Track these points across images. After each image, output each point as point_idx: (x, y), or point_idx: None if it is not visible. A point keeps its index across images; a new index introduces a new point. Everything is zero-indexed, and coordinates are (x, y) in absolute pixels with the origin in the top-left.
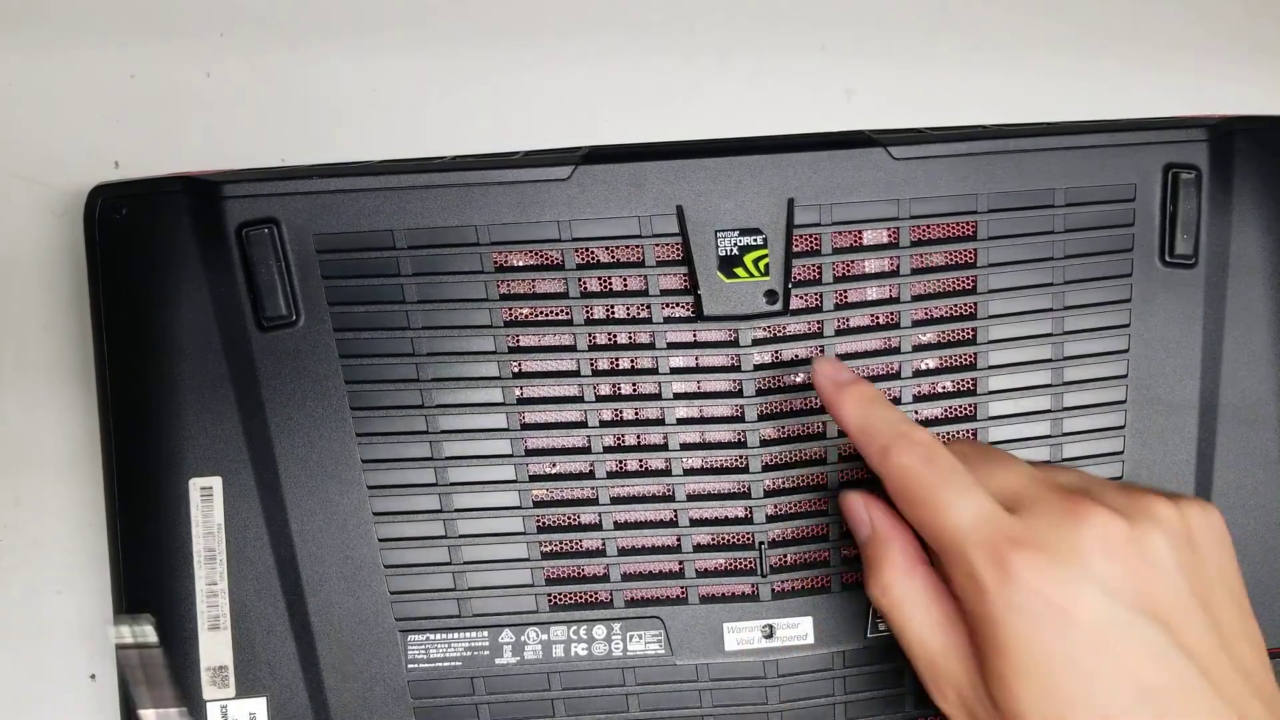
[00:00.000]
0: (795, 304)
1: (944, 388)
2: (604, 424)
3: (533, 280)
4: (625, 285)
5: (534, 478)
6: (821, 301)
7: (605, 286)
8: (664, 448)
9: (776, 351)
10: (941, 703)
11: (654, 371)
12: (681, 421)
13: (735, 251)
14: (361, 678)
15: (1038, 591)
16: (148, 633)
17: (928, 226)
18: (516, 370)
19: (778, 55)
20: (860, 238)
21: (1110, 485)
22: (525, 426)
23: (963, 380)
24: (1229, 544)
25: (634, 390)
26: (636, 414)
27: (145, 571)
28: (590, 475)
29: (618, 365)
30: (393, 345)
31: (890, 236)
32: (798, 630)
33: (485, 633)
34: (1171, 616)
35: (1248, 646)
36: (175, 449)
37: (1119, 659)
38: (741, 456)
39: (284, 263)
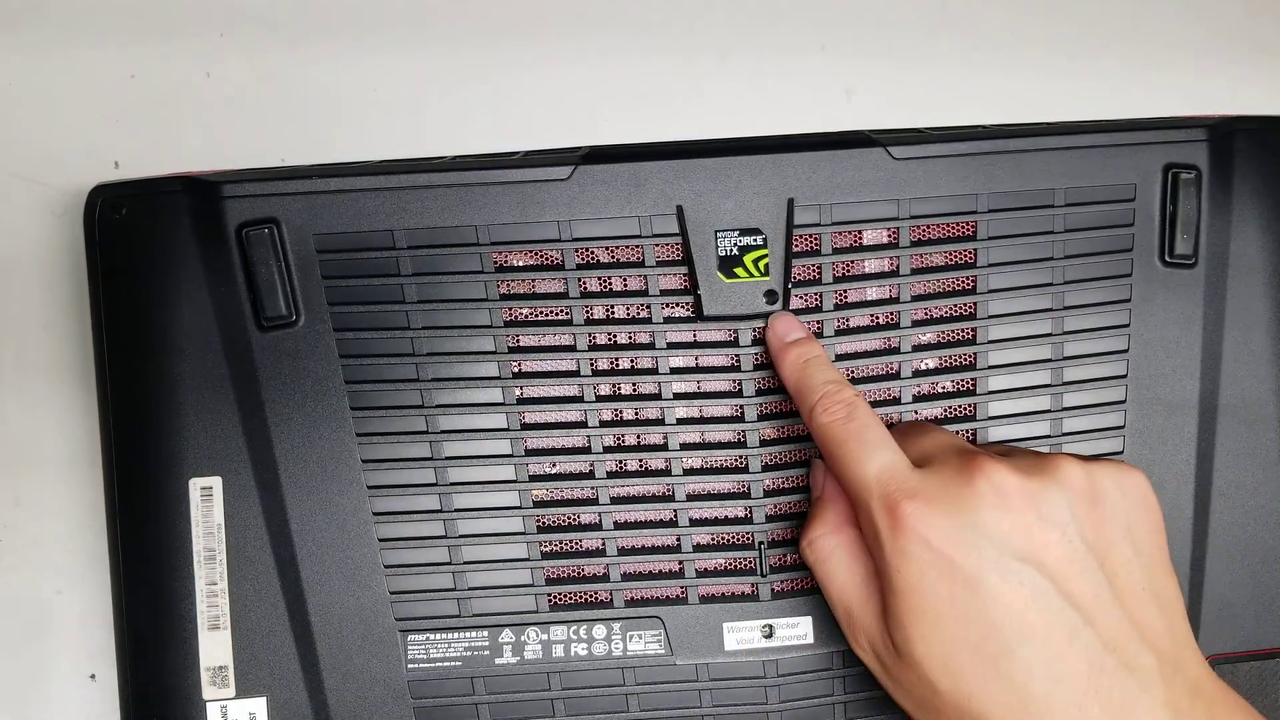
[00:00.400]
0: (795, 304)
1: (944, 387)
2: (604, 424)
3: (533, 280)
4: (625, 285)
5: (534, 478)
6: (821, 301)
7: (605, 286)
8: (664, 448)
9: None
10: (858, 650)
11: (654, 371)
12: (681, 421)
13: (735, 251)
14: (361, 678)
15: (925, 539)
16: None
17: (927, 226)
18: (516, 370)
19: (778, 55)
20: (860, 238)
21: (1034, 453)
22: (525, 426)
23: (963, 380)
24: (1149, 505)
25: (634, 390)
26: (636, 414)
27: (145, 571)
28: (590, 475)
29: (618, 365)
30: (393, 345)
31: (890, 236)
32: (797, 630)
33: (485, 632)
34: (1059, 566)
35: (1150, 602)
36: (175, 449)
37: (1000, 603)
38: (741, 456)
39: (284, 263)
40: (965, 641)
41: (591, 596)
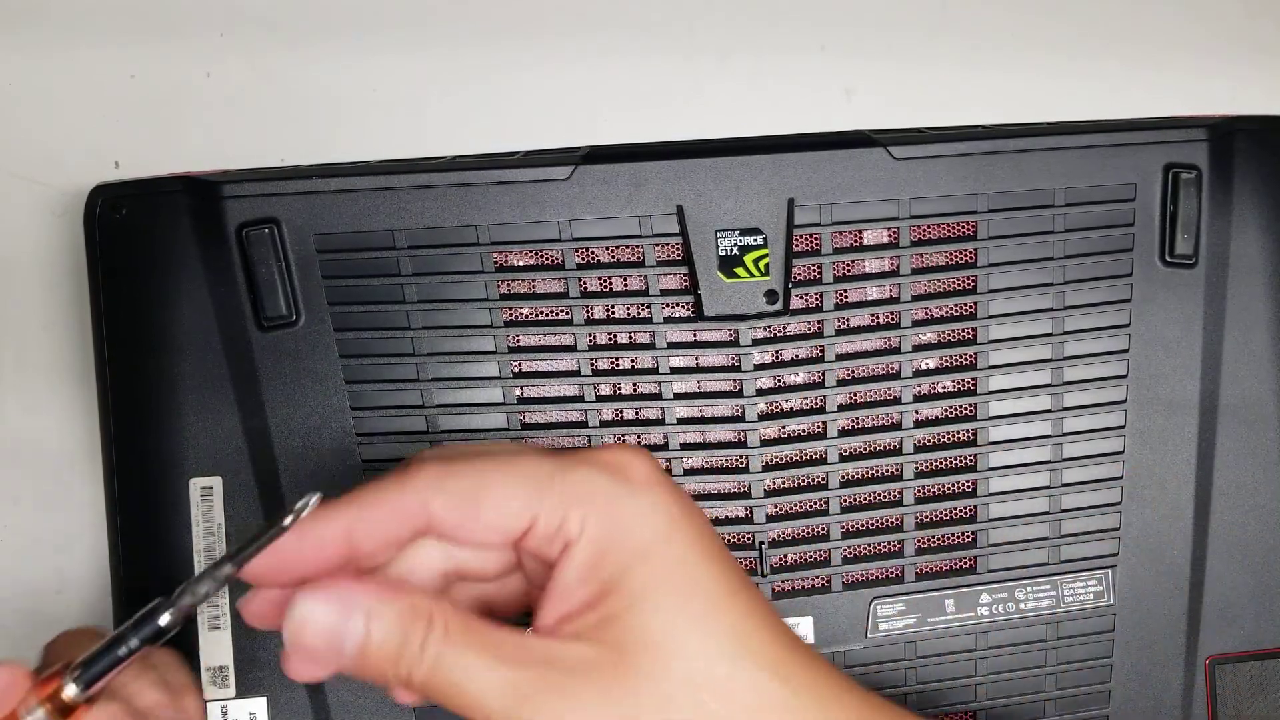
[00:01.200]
0: (795, 304)
1: (944, 387)
2: (604, 424)
3: (533, 280)
4: (625, 285)
5: None
6: (822, 301)
7: (605, 286)
8: (664, 447)
9: (776, 351)
10: None
11: (654, 371)
12: (682, 421)
13: (735, 251)
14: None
15: None
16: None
17: (928, 226)
18: (517, 370)
19: (778, 55)
20: (860, 237)
21: None
22: (526, 426)
23: (963, 380)
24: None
25: (634, 390)
26: (637, 414)
27: (145, 571)
28: None
29: (618, 365)
30: (393, 345)
31: (890, 236)
32: (799, 630)
33: None
34: None
35: None
36: (175, 449)
37: None
38: (742, 456)
39: (284, 262)
40: None
41: None
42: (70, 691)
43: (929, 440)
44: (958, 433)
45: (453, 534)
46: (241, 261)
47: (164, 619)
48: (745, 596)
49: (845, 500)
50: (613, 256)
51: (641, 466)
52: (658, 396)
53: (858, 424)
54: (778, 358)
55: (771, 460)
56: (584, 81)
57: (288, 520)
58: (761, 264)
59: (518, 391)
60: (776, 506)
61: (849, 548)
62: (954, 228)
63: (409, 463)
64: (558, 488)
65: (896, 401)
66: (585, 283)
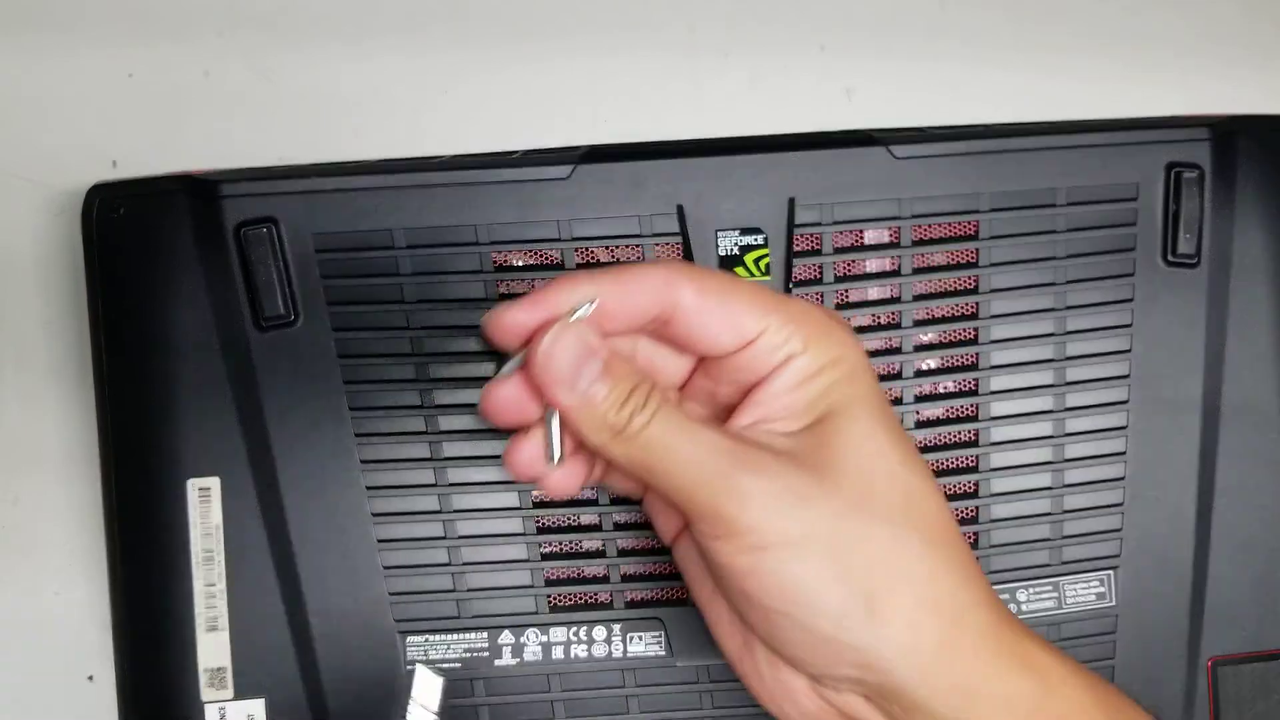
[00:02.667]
0: None
1: (945, 388)
2: None
3: (532, 280)
4: None
5: None
6: (823, 301)
7: None
8: None
9: None
10: None
11: None
12: None
13: (736, 251)
14: (360, 679)
15: None
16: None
17: (929, 226)
18: None
19: (778, 55)
20: (861, 237)
21: None
22: None
23: (964, 380)
24: None
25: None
26: None
27: (144, 572)
28: None
29: None
30: (392, 345)
31: (892, 236)
32: None
33: (485, 634)
34: None
35: None
36: (173, 449)
37: None
38: None
39: (282, 262)
40: None
41: (591, 598)
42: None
43: (930, 440)
44: (959, 433)
45: (690, 325)
46: (240, 261)
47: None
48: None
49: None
50: (612, 256)
51: (836, 317)
52: None
53: None
54: None
55: None
56: (584, 81)
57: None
58: (762, 264)
59: None
60: None
61: None
62: (955, 227)
63: (656, 258)
64: (786, 307)
65: (898, 401)
66: None
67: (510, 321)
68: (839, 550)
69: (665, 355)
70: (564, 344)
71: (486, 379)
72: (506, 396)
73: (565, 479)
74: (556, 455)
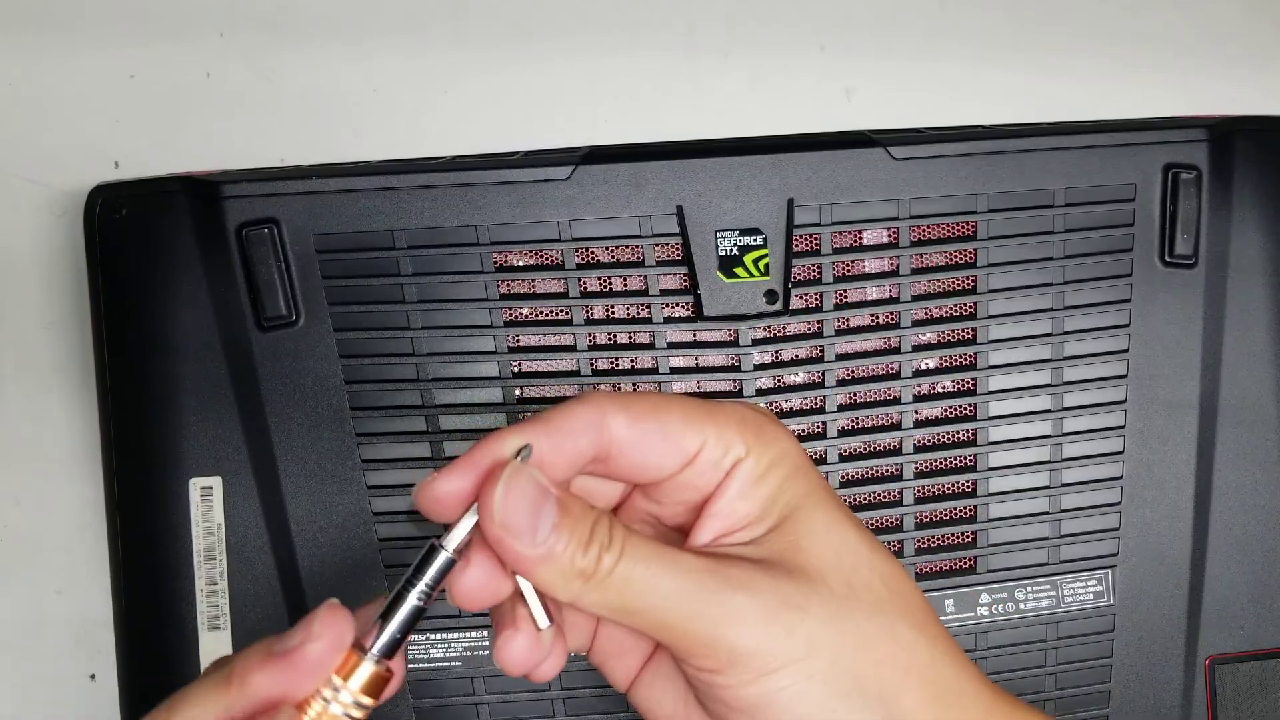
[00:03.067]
0: (795, 304)
1: (944, 387)
2: None
3: (533, 280)
4: (625, 285)
5: None
6: (821, 301)
7: (605, 286)
8: None
9: (776, 351)
10: None
11: (654, 371)
12: None
13: (735, 251)
14: None
15: None
16: None
17: (928, 226)
18: (516, 370)
19: (778, 55)
20: (860, 238)
21: None
22: None
23: (963, 380)
24: None
25: (634, 390)
26: None
27: (145, 571)
28: None
29: (618, 365)
30: (393, 345)
31: (890, 236)
32: None
33: (485, 632)
34: None
35: None
36: (175, 449)
37: None
38: None
39: (284, 262)
40: None
41: None
42: (369, 667)
43: (929, 440)
44: (957, 433)
45: (629, 458)
46: (241, 261)
47: (446, 553)
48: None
49: (844, 500)
50: (612, 256)
51: (766, 413)
52: None
53: (857, 424)
54: (777, 358)
55: None
56: (584, 81)
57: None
58: (761, 264)
59: (517, 391)
60: None
61: None
62: (954, 228)
63: (580, 395)
64: (718, 414)
65: (896, 401)
66: (585, 283)
67: (443, 491)
68: (845, 657)
69: (594, 482)
70: (516, 492)
71: (487, 379)
72: (472, 580)
73: (556, 661)
74: (543, 622)
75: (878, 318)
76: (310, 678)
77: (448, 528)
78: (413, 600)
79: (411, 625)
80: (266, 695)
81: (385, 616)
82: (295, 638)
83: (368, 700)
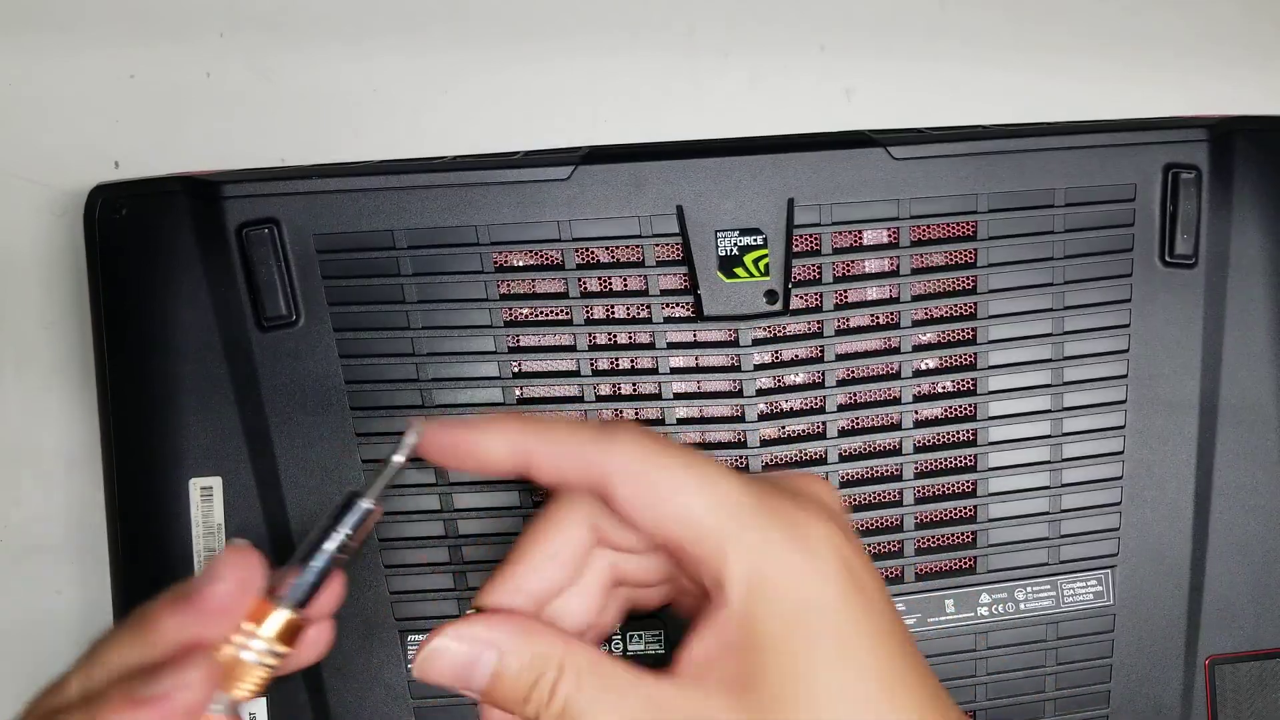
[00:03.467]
0: (795, 304)
1: (944, 388)
2: None
3: (533, 280)
4: (625, 285)
5: None
6: (821, 301)
7: (605, 286)
8: None
9: (776, 351)
10: None
11: (654, 371)
12: (682, 422)
13: (735, 251)
14: (361, 678)
15: None
16: None
17: (928, 226)
18: (516, 370)
19: (778, 55)
20: (860, 238)
21: None
22: None
23: (963, 380)
24: None
25: (634, 390)
26: (636, 414)
27: (145, 571)
28: None
29: (618, 365)
30: (393, 345)
31: (890, 236)
32: None
33: None
34: None
35: None
36: (175, 449)
37: None
38: (741, 457)
39: (284, 263)
40: None
41: None
42: (283, 614)
43: (929, 440)
44: (957, 433)
45: (622, 505)
46: (241, 261)
47: (365, 503)
48: (898, 650)
49: (844, 500)
50: (612, 256)
51: (823, 515)
52: (657, 397)
53: (857, 424)
54: (777, 358)
55: (771, 460)
56: (584, 81)
57: (398, 456)
58: (761, 264)
59: (518, 391)
60: None
61: None
62: (954, 228)
63: (612, 425)
64: (737, 523)
65: (896, 401)
66: (585, 283)
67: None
68: None
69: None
70: (445, 654)
71: (487, 379)
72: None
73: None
74: None
75: (878, 318)
76: (218, 620)
77: (368, 479)
78: (329, 549)
79: (325, 574)
80: (177, 639)
81: (300, 565)
82: (201, 580)
83: (282, 648)
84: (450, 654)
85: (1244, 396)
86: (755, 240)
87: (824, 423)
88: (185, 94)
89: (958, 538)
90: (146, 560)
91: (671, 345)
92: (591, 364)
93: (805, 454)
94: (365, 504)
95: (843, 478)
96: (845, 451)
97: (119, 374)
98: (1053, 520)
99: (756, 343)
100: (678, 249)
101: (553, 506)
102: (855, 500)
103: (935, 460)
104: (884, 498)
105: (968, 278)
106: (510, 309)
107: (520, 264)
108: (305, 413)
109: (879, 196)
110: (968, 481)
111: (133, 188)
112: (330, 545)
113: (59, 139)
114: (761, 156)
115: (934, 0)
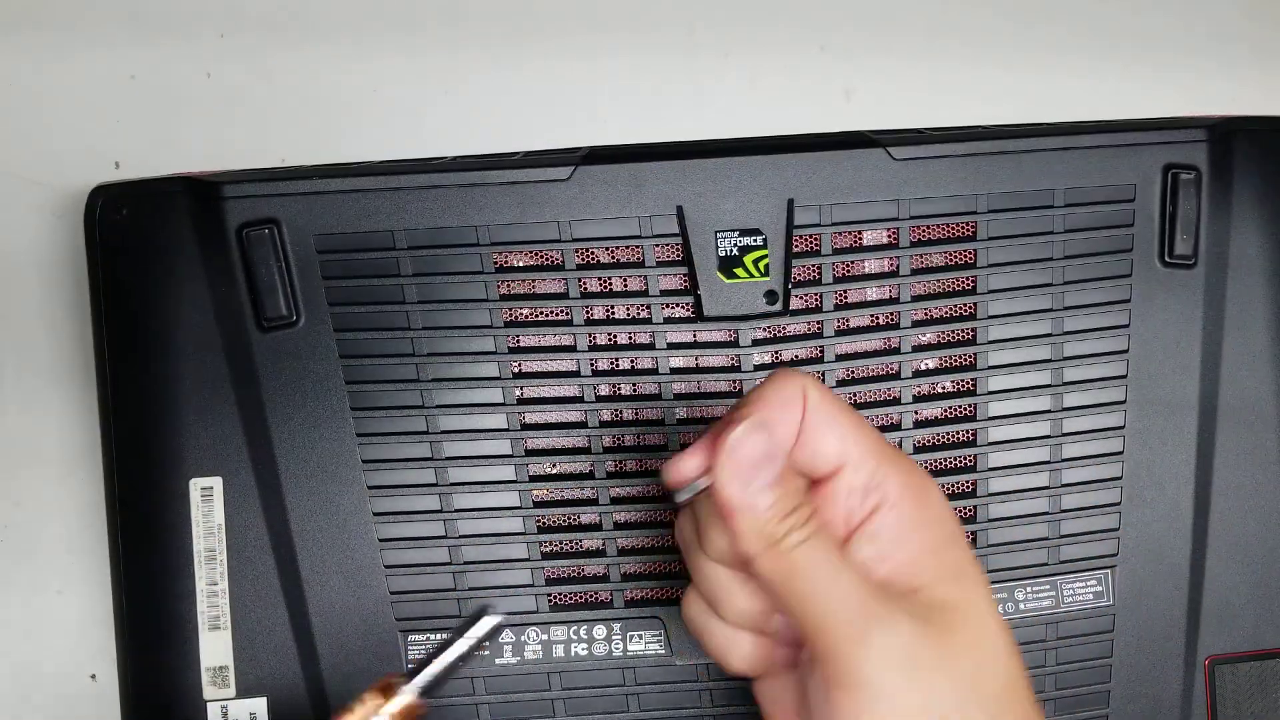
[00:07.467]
0: (795, 304)
1: (944, 388)
2: (604, 424)
3: (533, 280)
4: (625, 285)
5: (534, 478)
6: (821, 302)
7: (605, 287)
8: (664, 448)
9: (776, 352)
10: None
11: (654, 372)
12: (682, 422)
13: (735, 252)
14: (362, 678)
15: None
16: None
17: (928, 227)
18: (516, 370)
19: (778, 55)
20: (860, 238)
21: None
22: (525, 427)
23: (963, 380)
24: None
25: (634, 391)
26: (636, 414)
27: (145, 571)
28: (590, 475)
29: (618, 366)
30: (393, 345)
31: (890, 237)
32: None
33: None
34: None
35: None
36: (175, 449)
37: None
38: None
39: (284, 263)
40: None
41: (592, 597)
42: (408, 698)
43: (928, 440)
44: (957, 433)
45: (808, 433)
46: (242, 262)
47: (494, 618)
48: None
49: None
50: (612, 257)
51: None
52: (657, 397)
53: None
54: (777, 358)
55: None
56: (584, 81)
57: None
58: (761, 264)
59: (517, 392)
60: None
61: None
62: (954, 228)
63: (777, 372)
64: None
65: (896, 402)
66: (585, 283)
67: (689, 468)
68: None
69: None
70: (750, 442)
71: (487, 379)
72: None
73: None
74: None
75: (878, 318)
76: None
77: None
78: (458, 651)
79: (453, 672)
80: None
81: (433, 659)
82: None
83: None
84: (759, 442)
85: (1243, 396)
86: (755, 241)
87: None
88: (185, 94)
89: None
90: (146, 560)
91: (671, 346)
92: (592, 364)
93: None
94: (494, 619)
95: None
96: None
97: (119, 374)
98: (1052, 520)
99: (756, 343)
100: (678, 249)
101: None
102: None
103: (935, 460)
104: None
105: (967, 278)
106: (510, 309)
107: (520, 264)
108: (305, 413)
109: (879, 197)
110: (967, 481)
111: (133, 188)
112: (460, 649)
113: (59, 139)
114: (761, 157)
115: (934, 0)
